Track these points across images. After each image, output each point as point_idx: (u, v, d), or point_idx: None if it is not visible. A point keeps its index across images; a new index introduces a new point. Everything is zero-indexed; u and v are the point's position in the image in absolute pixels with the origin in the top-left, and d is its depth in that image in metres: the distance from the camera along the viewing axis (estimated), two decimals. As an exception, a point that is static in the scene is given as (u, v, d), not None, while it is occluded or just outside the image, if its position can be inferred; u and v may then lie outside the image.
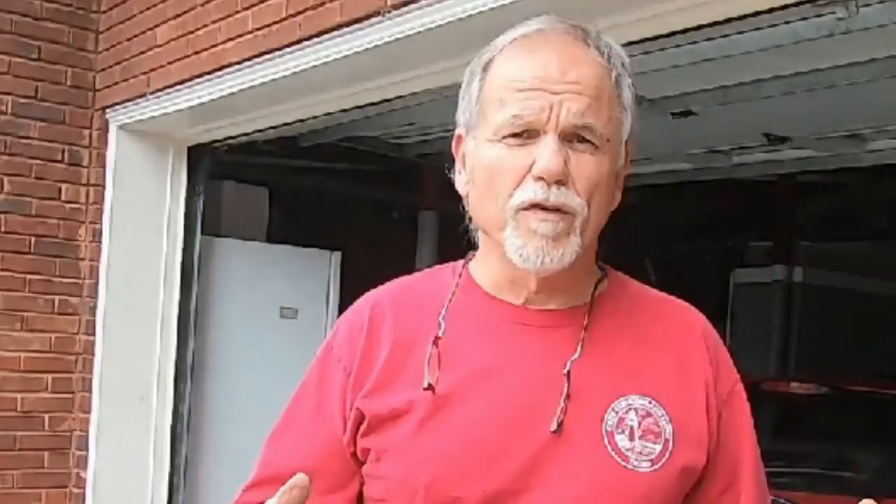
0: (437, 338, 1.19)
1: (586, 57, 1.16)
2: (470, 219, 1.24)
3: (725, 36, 2.93)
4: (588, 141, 1.14)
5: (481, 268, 1.25)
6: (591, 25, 1.20)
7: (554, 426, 1.13)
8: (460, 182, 1.24)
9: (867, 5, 2.68)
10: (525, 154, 1.14)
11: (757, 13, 2.57)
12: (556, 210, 1.13)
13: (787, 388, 4.79)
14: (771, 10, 2.55)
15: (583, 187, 1.14)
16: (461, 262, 1.28)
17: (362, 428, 1.19)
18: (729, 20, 2.62)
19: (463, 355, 1.18)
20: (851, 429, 4.67)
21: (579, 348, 1.17)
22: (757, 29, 2.86)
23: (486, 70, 1.19)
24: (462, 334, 1.20)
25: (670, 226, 7.54)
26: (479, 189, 1.19)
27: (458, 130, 1.25)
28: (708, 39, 2.96)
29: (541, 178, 1.12)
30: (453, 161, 1.26)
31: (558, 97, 1.13)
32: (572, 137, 1.14)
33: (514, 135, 1.14)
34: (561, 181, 1.12)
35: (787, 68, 3.59)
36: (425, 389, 1.16)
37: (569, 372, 1.15)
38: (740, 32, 2.88)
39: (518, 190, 1.14)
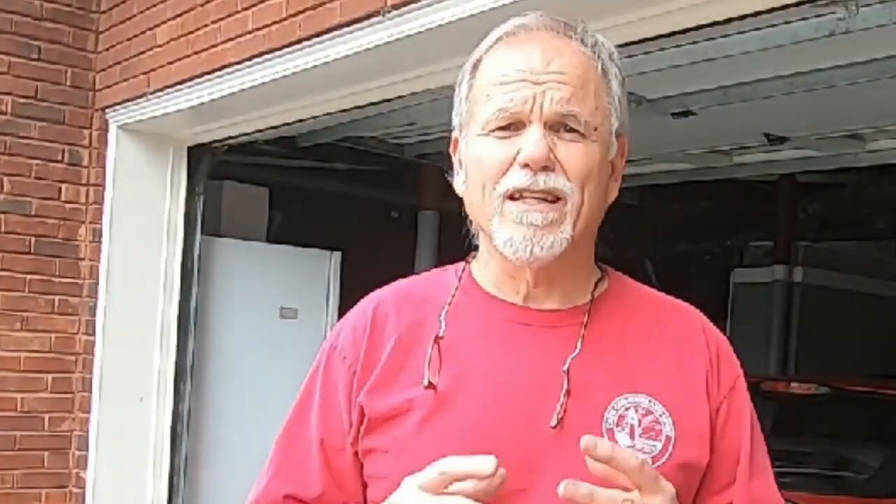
0: (437, 337, 1.19)
1: (570, 48, 1.17)
2: (470, 221, 1.24)
3: (725, 36, 2.92)
4: (575, 130, 1.15)
5: (481, 267, 1.26)
6: (576, 20, 1.21)
7: (554, 421, 1.13)
8: (458, 183, 1.25)
9: (867, 5, 2.68)
10: (512, 145, 1.15)
11: (757, 13, 2.57)
12: (545, 197, 1.14)
13: (787, 388, 4.78)
14: (771, 10, 2.55)
15: (573, 173, 1.14)
16: (462, 262, 1.29)
17: (363, 427, 1.19)
18: (729, 20, 2.62)
19: (463, 354, 1.19)
20: (851, 429, 4.66)
21: (579, 346, 1.17)
22: (757, 29, 2.85)
23: (475, 70, 1.21)
24: (463, 334, 1.20)
25: (670, 226, 7.55)
26: (471, 183, 1.20)
27: (454, 133, 1.26)
28: (708, 39, 2.96)
29: (526, 165, 1.13)
30: (451, 164, 1.27)
31: (541, 87, 1.14)
32: (558, 126, 1.14)
33: (502, 128, 1.15)
34: (547, 167, 1.13)
35: (787, 68, 3.58)
36: (426, 388, 1.16)
37: (568, 369, 1.15)
38: (740, 32, 2.87)
39: (504, 178, 1.15)
